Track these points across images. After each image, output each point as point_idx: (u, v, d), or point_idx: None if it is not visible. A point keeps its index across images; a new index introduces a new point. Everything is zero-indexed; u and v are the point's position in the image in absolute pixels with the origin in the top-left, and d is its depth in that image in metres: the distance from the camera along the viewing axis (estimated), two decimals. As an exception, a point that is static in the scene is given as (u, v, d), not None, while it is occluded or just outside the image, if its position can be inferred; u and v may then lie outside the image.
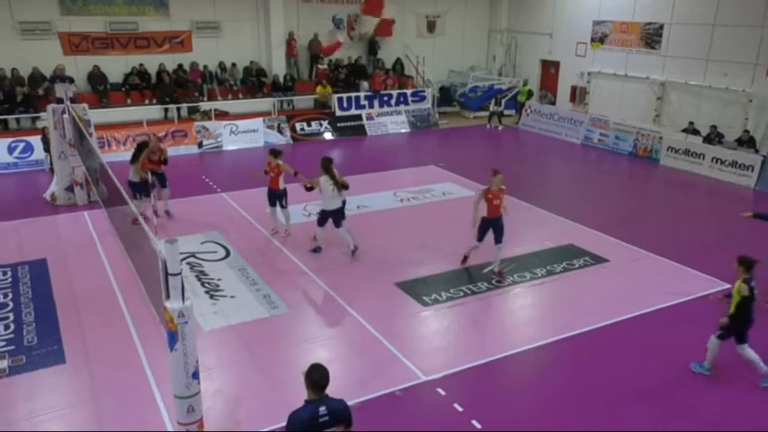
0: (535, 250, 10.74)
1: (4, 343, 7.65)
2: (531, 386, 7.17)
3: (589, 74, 21.43)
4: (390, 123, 21.40)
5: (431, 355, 7.55)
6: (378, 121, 21.23)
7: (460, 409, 6.51)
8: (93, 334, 7.91)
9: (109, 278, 9.50)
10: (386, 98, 21.58)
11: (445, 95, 23.69)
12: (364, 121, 20.98)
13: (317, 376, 4.28)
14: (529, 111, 21.93)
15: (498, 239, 9.63)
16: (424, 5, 23.86)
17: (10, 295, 8.90)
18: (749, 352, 7.00)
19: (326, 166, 10.11)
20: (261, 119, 19.24)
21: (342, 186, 10.04)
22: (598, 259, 10.35)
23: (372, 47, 23.16)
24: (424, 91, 22.37)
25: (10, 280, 9.33)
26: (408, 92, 22.11)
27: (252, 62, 20.89)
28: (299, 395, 4.56)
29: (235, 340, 7.87)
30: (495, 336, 8.09)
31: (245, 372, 7.20)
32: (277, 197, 11.07)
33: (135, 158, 11.39)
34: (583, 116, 20.28)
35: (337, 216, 10.23)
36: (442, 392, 6.79)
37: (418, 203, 13.34)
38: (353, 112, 21.00)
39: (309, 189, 10.37)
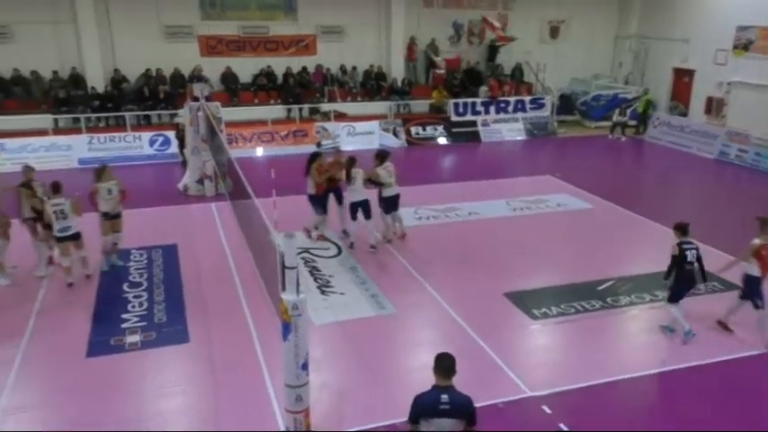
0: (657, 271, 10.14)
1: (137, 319, 8.41)
2: (644, 415, 6.79)
3: (729, 84, 19.85)
4: (506, 130, 21.08)
5: (537, 371, 7.37)
6: (493, 127, 20.98)
7: (565, 429, 6.31)
8: (215, 318, 8.49)
9: (230, 267, 10.14)
10: (503, 104, 21.29)
11: (565, 103, 22.94)
12: (479, 128, 20.82)
13: (446, 364, 4.53)
14: (657, 122, 20.73)
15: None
16: (547, 10, 23.27)
17: (145, 275, 9.77)
18: (674, 311, 7.94)
19: (382, 157, 10.87)
20: (377, 121, 19.66)
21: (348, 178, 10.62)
22: (729, 286, 9.58)
23: (492, 52, 22.94)
24: (542, 98, 21.82)
25: (145, 262, 10.22)
26: (526, 99, 21.66)
27: (372, 66, 21.41)
28: (403, 395, 4.66)
29: (342, 336, 8.12)
30: (607, 357, 7.74)
31: (351, 368, 7.41)
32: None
33: (307, 170, 10.84)
34: (718, 129, 18.86)
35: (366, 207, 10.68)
36: (548, 410, 6.61)
37: (532, 213, 13.05)
38: (469, 117, 20.91)
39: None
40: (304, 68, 20.62)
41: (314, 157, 11.01)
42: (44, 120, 17.39)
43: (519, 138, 20.99)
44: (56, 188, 9.04)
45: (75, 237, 9.19)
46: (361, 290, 9.42)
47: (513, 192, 14.47)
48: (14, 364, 7.30)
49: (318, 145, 18.64)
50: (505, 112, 21.33)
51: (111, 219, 9.69)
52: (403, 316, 8.68)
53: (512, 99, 21.44)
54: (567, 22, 23.61)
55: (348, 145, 18.91)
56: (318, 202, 11.00)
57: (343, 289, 9.45)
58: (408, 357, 7.52)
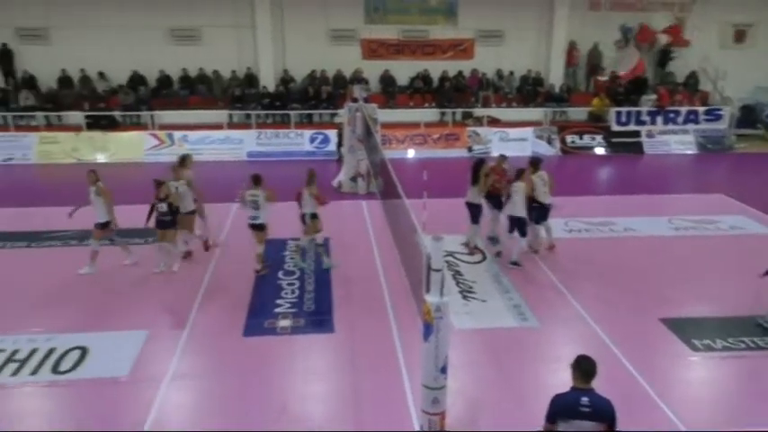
0: None
1: (289, 305, 8.96)
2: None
3: None
4: (674, 143, 19.52)
5: (695, 406, 6.75)
6: (659, 139, 19.54)
7: (725, 475, 5.71)
8: (359, 311, 8.80)
9: (376, 263, 10.46)
10: (672, 115, 19.75)
11: (747, 116, 20.74)
12: (643, 139, 19.50)
13: (587, 366, 4.56)
14: None
15: None
16: (733, 13, 21.16)
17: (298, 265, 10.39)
18: None
19: (536, 164, 10.65)
20: (531, 128, 19.17)
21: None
22: None
23: (663, 57, 21.36)
24: (720, 109, 19.91)
25: (300, 252, 10.84)
26: (700, 109, 19.90)
27: (529, 71, 20.92)
28: (540, 409, 4.53)
29: (482, 344, 8.02)
30: (780, 402, 6.87)
31: (489, 376, 7.30)
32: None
33: (476, 179, 10.60)
34: None
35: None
36: (704, 451, 6.02)
37: (697, 234, 11.95)
38: (632, 127, 19.67)
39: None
40: (460, 72, 20.66)
41: (479, 164, 10.83)
42: (220, 115, 19.15)
43: (688, 151, 19.34)
44: (256, 180, 9.74)
45: (261, 227, 9.85)
46: (503, 299, 9.24)
47: (677, 209, 13.35)
48: (182, 336, 8.11)
49: (469, 149, 18.58)
50: (674, 123, 19.76)
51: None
52: (546, 330, 8.38)
53: (683, 109, 19.82)
54: (756, 27, 21.30)
55: (500, 151, 18.62)
56: (478, 211, 10.87)
57: (485, 296, 9.34)
58: (548, 372, 7.25)
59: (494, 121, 19.62)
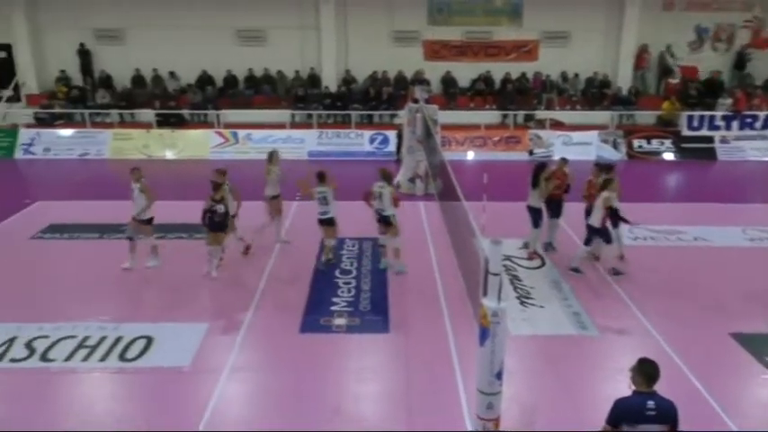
0: None
1: (345, 303, 9.05)
2: None
3: None
4: (750, 149, 18.59)
5: None
6: (734, 145, 18.65)
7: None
8: (414, 312, 8.79)
9: (433, 265, 10.42)
10: (749, 120, 18.79)
11: (832, 122, 19.49)
12: (716, 144, 18.67)
13: (650, 369, 4.53)
14: None
15: None
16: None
17: (355, 264, 10.47)
18: None
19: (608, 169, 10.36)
20: (596, 132, 18.67)
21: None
22: None
23: (740, 60, 20.36)
24: (801, 114, 18.82)
25: (356, 252, 10.94)
26: (782, 114, 18.86)
27: (595, 73, 20.38)
28: (598, 420, 4.41)
29: (539, 351, 7.86)
30: None
31: (546, 384, 7.15)
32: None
33: (536, 183, 10.44)
34: None
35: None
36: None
37: (774, 246, 11.34)
38: (704, 132, 18.85)
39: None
40: (523, 74, 20.36)
41: (540, 167, 10.64)
42: (283, 114, 19.54)
43: (766, 158, 18.35)
44: (321, 177, 9.95)
45: (330, 222, 10.09)
46: (562, 306, 9.03)
47: (753, 219, 12.69)
48: (241, 329, 8.31)
49: (530, 153, 18.26)
50: (752, 128, 18.82)
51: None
52: (606, 339, 8.13)
53: (762, 114, 18.82)
54: None
55: (561, 154, 18.23)
56: (539, 215, 10.67)
57: (543, 302, 9.16)
58: (607, 383, 7.02)
59: (557, 124, 19.21)
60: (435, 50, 20.35)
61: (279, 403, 6.80)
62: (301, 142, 18.63)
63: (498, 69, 20.39)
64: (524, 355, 7.72)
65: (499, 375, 5.64)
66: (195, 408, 6.66)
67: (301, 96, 19.96)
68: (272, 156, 11.20)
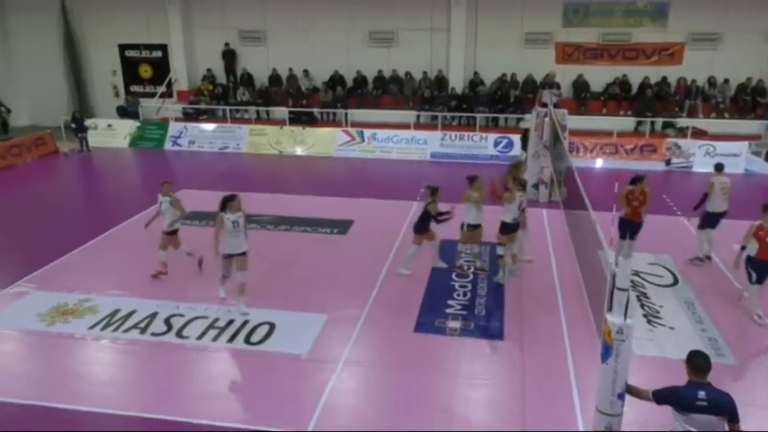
0: None
1: (460, 307, 9.01)
2: None
3: None
4: None
5: None
6: None
7: None
8: (531, 322, 8.57)
9: (553, 274, 10.09)
10: None
11: None
12: None
13: (700, 360, 4.75)
14: None
15: None
16: None
17: (472, 268, 10.38)
18: None
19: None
20: (746, 143, 17.09)
21: None
22: None
23: None
24: None
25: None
26: None
27: (749, 78, 18.67)
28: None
29: (666, 374, 7.30)
30: None
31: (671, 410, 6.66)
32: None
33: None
34: None
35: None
36: None
37: None
38: None
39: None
40: (664, 79, 19.10)
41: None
42: (408, 115, 19.79)
43: None
44: (473, 181, 9.77)
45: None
46: (696, 329, 8.38)
47: None
48: (358, 323, 8.54)
49: (667, 163, 17.13)
50: None
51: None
52: (744, 369, 7.47)
53: None
54: None
55: (704, 166, 16.91)
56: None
57: (673, 323, 8.55)
58: (743, 417, 6.42)
59: (699, 133, 17.84)
60: (568, 53, 19.64)
61: (389, 399, 6.92)
62: (424, 143, 18.76)
63: (636, 73, 19.29)
64: (650, 378, 7.23)
65: (621, 396, 5.37)
66: (311, 395, 6.95)
67: (427, 98, 20.11)
68: (474, 180, 9.81)
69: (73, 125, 19.63)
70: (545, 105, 13.95)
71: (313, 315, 8.68)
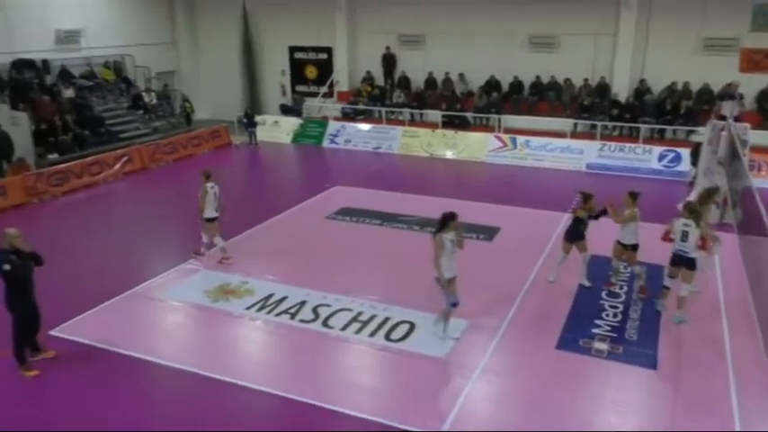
0: None
1: (609, 328, 8.48)
2: None
3: None
4: None
5: None
6: None
7: None
8: (689, 353, 7.86)
9: (720, 304, 9.15)
10: None
11: None
12: None
13: None
14: None
15: None
16: None
17: (625, 288, 9.73)
18: None
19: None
20: None
21: None
22: None
23: None
24: None
25: (628, 275, 10.13)
26: None
27: None
28: None
29: None
30: None
31: None
32: None
33: None
34: None
35: None
36: None
37: None
38: None
39: None
40: None
41: None
42: (565, 123, 19.02)
43: None
44: (633, 197, 9.22)
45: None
46: None
47: None
48: (498, 332, 8.37)
49: None
50: None
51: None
52: None
53: None
54: None
55: None
56: None
57: None
58: None
59: None
60: (756, 61, 17.58)
61: (525, 414, 6.71)
62: (580, 153, 17.91)
63: (838, 85, 16.91)
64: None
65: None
66: (446, 399, 6.95)
67: (587, 106, 19.18)
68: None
69: (244, 120, 21.36)
70: (723, 118, 12.71)
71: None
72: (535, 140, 18.50)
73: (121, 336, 8.36)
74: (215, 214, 10.77)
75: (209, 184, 10.74)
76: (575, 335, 8.31)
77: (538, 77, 20.44)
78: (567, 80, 20.07)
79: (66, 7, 20.47)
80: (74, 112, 18.97)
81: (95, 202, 15.12)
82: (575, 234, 9.60)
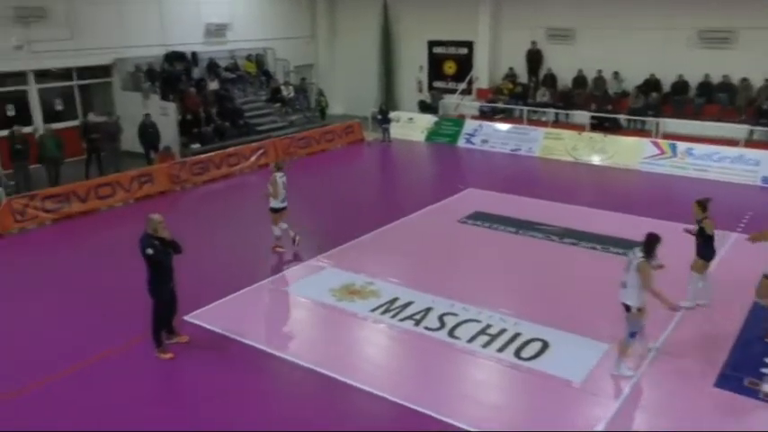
0: None
1: (781, 370, 7.63)
2: None
3: None
4: None
5: None
6: None
7: None
8: None
9: None
10: None
11: None
12: None
13: None
14: None
15: None
16: None
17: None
18: None
19: None
20: None
21: None
22: None
23: None
24: None
25: None
26: None
27: None
28: None
29: None
30: None
31: None
32: None
33: None
34: None
35: None
36: None
37: None
38: None
39: None
40: None
41: None
42: (738, 130, 17.44)
43: None
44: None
45: None
46: None
47: None
48: (645, 360, 7.80)
49: None
50: None
51: None
52: None
53: None
54: None
55: None
56: None
57: None
58: None
59: None
60: None
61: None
62: (756, 165, 16.26)
63: None
64: None
65: None
66: (578, 428, 6.61)
67: (766, 110, 17.42)
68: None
69: (379, 116, 21.82)
70: None
71: (592, 341, 8.23)
72: (699, 148, 17.11)
73: (249, 326, 8.88)
74: (281, 204, 11.33)
75: (279, 174, 11.34)
76: (739, 372, 7.55)
77: (707, 77, 18.91)
78: (743, 80, 18.37)
79: (217, 2, 22.18)
80: (216, 103, 20.48)
81: (231, 193, 16.21)
82: (704, 250, 8.98)
